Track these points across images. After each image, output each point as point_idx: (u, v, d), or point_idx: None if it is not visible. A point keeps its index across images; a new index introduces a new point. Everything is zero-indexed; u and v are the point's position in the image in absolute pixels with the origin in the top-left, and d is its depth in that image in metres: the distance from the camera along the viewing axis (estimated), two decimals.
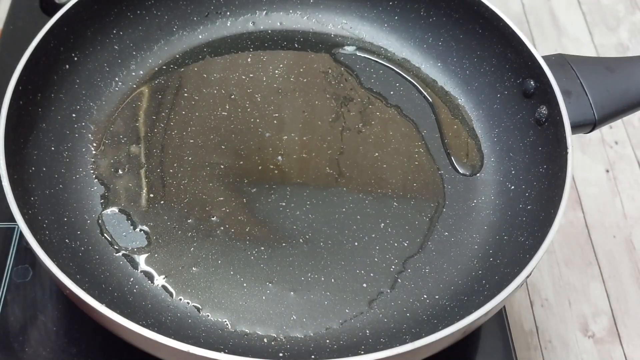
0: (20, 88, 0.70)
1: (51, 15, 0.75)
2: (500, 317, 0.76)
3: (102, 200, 0.73)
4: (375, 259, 0.71)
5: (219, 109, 0.80)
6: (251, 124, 0.79)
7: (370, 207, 0.74)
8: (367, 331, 0.66)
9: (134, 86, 0.81)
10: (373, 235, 0.72)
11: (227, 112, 0.80)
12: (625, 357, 0.90)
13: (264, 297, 0.68)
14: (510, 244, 0.70)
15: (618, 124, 1.09)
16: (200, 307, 0.67)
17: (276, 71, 0.84)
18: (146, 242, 0.70)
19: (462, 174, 0.77)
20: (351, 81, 0.84)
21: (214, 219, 0.72)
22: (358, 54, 0.86)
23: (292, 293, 0.68)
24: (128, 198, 0.73)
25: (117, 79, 0.81)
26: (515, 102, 0.77)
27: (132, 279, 0.68)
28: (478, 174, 0.77)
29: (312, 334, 0.66)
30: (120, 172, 0.75)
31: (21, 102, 0.70)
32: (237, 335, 0.65)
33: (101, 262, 0.68)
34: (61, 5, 0.76)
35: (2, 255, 0.76)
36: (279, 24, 0.88)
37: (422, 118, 0.81)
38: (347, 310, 0.67)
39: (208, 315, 0.66)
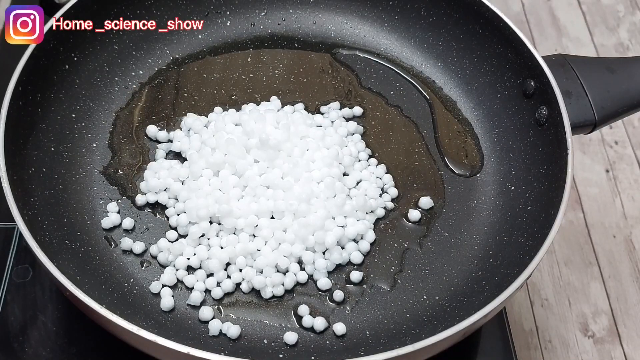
0: (20, 88, 0.70)
1: (51, 15, 0.75)
2: (500, 317, 0.76)
3: (102, 201, 0.73)
4: (375, 260, 0.71)
5: (219, 110, 0.80)
6: None
7: None
8: (367, 332, 0.66)
9: (134, 86, 0.81)
10: None
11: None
12: (625, 357, 0.90)
13: (264, 299, 0.68)
14: (510, 244, 0.70)
15: (618, 124, 1.09)
16: (200, 308, 0.67)
17: (276, 71, 0.84)
18: (146, 243, 0.70)
19: (462, 175, 0.77)
20: (351, 81, 0.84)
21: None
22: (358, 54, 0.86)
23: (292, 294, 0.68)
24: (128, 199, 0.73)
25: (117, 79, 0.81)
26: (516, 103, 0.77)
27: (132, 280, 0.68)
28: (478, 175, 0.77)
29: (311, 335, 0.66)
30: (120, 172, 0.75)
31: (21, 103, 0.70)
32: (237, 337, 0.65)
33: (101, 263, 0.68)
34: (61, 5, 0.76)
35: (2, 255, 0.76)
36: (278, 23, 0.88)
37: (422, 118, 0.81)
38: (347, 312, 0.67)
39: (208, 317, 0.66)
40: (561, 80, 0.73)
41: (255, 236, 0.69)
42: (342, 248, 0.70)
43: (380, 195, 0.74)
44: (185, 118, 0.78)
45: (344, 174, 0.74)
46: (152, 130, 0.77)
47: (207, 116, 0.78)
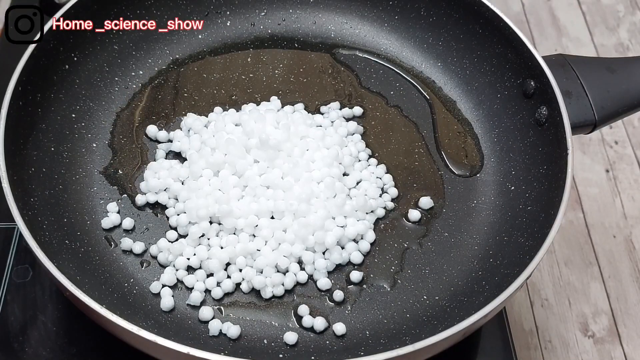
0: (20, 88, 0.70)
1: (51, 15, 0.75)
2: (500, 317, 0.76)
3: (102, 201, 0.73)
4: (375, 260, 0.71)
5: (219, 109, 0.80)
6: None
7: None
8: (367, 332, 0.66)
9: (134, 86, 0.81)
10: None
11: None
12: (625, 357, 0.90)
13: (264, 299, 0.68)
14: (510, 244, 0.70)
15: (618, 123, 1.09)
16: (200, 309, 0.67)
17: (276, 71, 0.84)
18: (146, 244, 0.70)
19: (462, 175, 0.77)
20: (351, 81, 0.84)
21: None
22: (358, 54, 0.86)
23: (292, 294, 0.68)
24: (128, 198, 0.73)
25: (117, 79, 0.81)
26: (516, 103, 0.77)
27: (132, 280, 0.68)
28: (478, 175, 0.77)
29: (312, 335, 0.66)
30: (120, 172, 0.75)
31: (21, 103, 0.70)
32: (237, 337, 0.65)
33: (101, 263, 0.68)
34: (61, 5, 0.76)
35: (2, 255, 0.76)
36: (278, 23, 0.88)
37: (422, 118, 0.81)
38: (347, 312, 0.67)
39: (208, 317, 0.66)
40: (561, 80, 0.73)
41: (255, 236, 0.69)
42: (342, 248, 0.70)
43: (380, 195, 0.74)
44: (185, 118, 0.78)
45: (344, 174, 0.74)
46: (152, 130, 0.77)
47: (207, 116, 0.78)
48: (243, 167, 0.71)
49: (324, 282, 0.68)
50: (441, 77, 0.84)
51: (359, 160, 0.76)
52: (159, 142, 0.77)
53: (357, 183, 0.74)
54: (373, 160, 0.77)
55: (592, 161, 1.06)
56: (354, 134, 0.79)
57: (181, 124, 0.78)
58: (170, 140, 0.77)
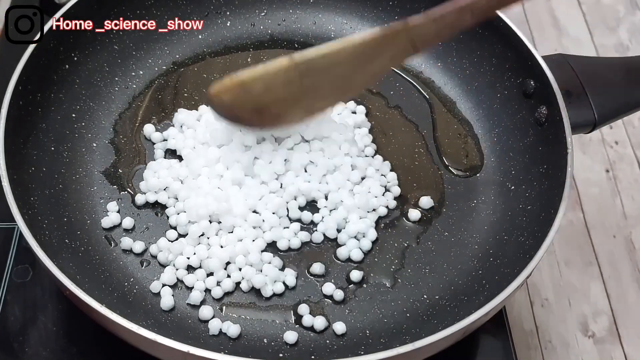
0: (20, 88, 0.70)
1: (51, 15, 0.75)
2: (500, 317, 0.76)
3: (102, 200, 0.73)
4: (376, 259, 0.71)
5: None
6: None
7: None
8: (367, 331, 0.66)
9: (134, 86, 0.81)
10: None
11: None
12: (625, 357, 0.90)
13: (264, 298, 0.68)
14: (510, 244, 0.70)
15: (618, 123, 1.09)
16: (200, 308, 0.67)
17: None
18: (146, 243, 0.70)
19: (462, 175, 0.77)
20: None
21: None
22: None
23: (292, 293, 0.68)
24: (128, 198, 0.73)
25: (117, 79, 0.81)
26: (516, 102, 0.77)
27: (132, 279, 0.68)
28: (478, 174, 0.77)
29: (312, 334, 0.66)
30: (120, 172, 0.75)
31: (21, 102, 0.70)
32: (237, 336, 0.65)
33: (101, 262, 0.68)
34: (61, 5, 0.76)
35: (2, 255, 0.76)
36: (278, 24, 0.88)
37: (422, 118, 0.81)
38: (347, 311, 0.67)
39: (208, 316, 0.66)
40: (561, 80, 0.73)
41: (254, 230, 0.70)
42: (342, 246, 0.70)
43: (383, 194, 0.74)
44: (177, 114, 0.78)
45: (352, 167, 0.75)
46: (148, 129, 0.77)
47: (197, 109, 0.78)
48: (245, 160, 0.71)
49: (329, 288, 0.68)
50: (441, 77, 0.84)
51: (365, 156, 0.76)
52: (155, 142, 0.77)
53: (362, 179, 0.74)
54: (379, 157, 0.77)
55: (592, 161, 1.06)
56: (360, 127, 0.78)
57: (173, 120, 0.78)
58: (165, 139, 0.77)
